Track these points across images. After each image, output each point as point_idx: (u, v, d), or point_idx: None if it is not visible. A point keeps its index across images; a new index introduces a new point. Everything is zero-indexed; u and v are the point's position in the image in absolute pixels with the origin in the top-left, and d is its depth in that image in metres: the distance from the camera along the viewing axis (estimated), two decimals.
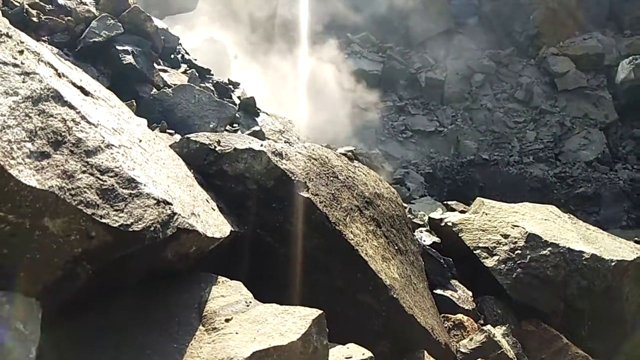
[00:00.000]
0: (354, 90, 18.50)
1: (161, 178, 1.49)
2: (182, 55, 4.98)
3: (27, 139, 1.09)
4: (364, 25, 20.61)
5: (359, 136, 16.62)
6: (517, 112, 18.98)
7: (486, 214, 3.67)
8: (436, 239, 3.79)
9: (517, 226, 3.50)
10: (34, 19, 3.18)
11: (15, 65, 1.17)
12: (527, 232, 3.41)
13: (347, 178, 2.38)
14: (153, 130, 3.26)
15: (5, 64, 1.14)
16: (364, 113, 18.30)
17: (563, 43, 19.41)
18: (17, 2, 3.28)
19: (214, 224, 1.65)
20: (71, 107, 1.26)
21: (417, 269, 2.65)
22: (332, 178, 2.26)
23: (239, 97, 5.04)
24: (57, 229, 1.10)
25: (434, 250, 3.36)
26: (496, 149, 18.12)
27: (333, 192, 2.20)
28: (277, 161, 2.04)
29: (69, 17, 3.36)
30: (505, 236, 3.45)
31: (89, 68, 3.21)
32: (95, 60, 3.29)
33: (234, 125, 4.41)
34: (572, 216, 3.91)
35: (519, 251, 3.35)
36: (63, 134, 1.18)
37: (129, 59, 3.25)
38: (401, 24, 20.11)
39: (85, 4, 4.01)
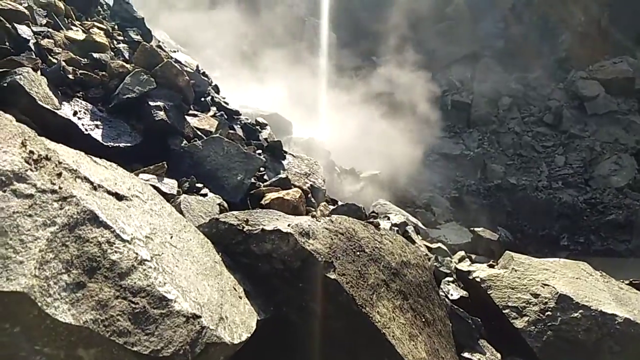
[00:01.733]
0: (379, 112, 18.51)
1: (191, 279, 1.51)
2: (212, 98, 5.06)
3: (64, 271, 1.12)
4: (389, 48, 20.69)
5: (384, 159, 16.57)
6: (545, 136, 18.70)
7: (515, 270, 3.59)
8: (464, 293, 3.72)
9: (548, 285, 3.42)
10: (70, 76, 3.28)
11: (53, 192, 1.21)
12: (557, 292, 3.33)
13: (374, 250, 2.36)
14: (182, 185, 3.31)
15: (44, 191, 1.18)
16: (389, 135, 18.26)
17: (592, 67, 19.11)
18: (54, 59, 3.40)
19: (241, 320, 1.66)
20: (106, 226, 1.30)
21: (444, 337, 2.61)
22: (358, 253, 2.25)
23: (266, 139, 5.08)
24: (90, 358, 1.12)
25: (462, 310, 3.30)
26: (524, 173, 17.84)
27: (360, 268, 2.19)
28: (304, 242, 2.04)
29: (104, 72, 3.46)
30: (536, 295, 3.37)
31: (121, 124, 3.28)
32: (128, 116, 3.37)
33: (261, 169, 4.44)
34: (604, 274, 3.80)
35: (549, 312, 3.26)
36: (98, 259, 1.21)
37: (161, 115, 3.31)
38: (427, 47, 20.11)
39: (119, 59, 4.13)
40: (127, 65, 3.58)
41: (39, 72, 3.15)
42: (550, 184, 17.83)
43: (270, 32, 18.50)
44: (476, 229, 14.64)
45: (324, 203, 4.19)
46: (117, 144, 3.18)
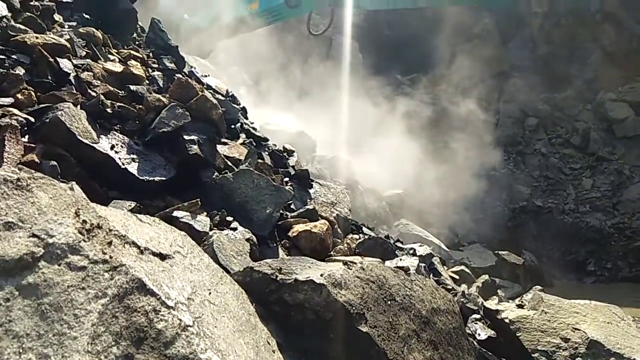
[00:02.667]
0: (404, 131, 18.47)
1: (229, 340, 1.54)
2: (242, 124, 5.14)
3: (114, 343, 1.16)
4: (414, 66, 20.71)
5: (408, 179, 16.49)
6: (572, 158, 18.40)
7: (545, 312, 3.54)
8: (492, 333, 3.68)
9: (578, 329, 3.36)
10: (108, 110, 3.38)
11: (104, 262, 1.26)
12: (588, 337, 3.27)
13: (404, 298, 2.37)
14: (214, 218, 3.36)
15: (96, 262, 1.23)
16: (413, 154, 18.19)
17: (622, 88, 18.79)
18: (93, 91, 3.51)
19: None
20: (152, 294, 1.34)
21: None
22: (389, 302, 2.25)
23: (293, 167, 5.12)
24: None
25: (490, 354, 3.26)
26: (550, 195, 17.56)
27: (391, 319, 2.19)
28: (336, 293, 2.06)
29: (140, 106, 3.56)
30: (566, 340, 3.31)
31: (156, 157, 3.37)
32: (163, 149, 3.45)
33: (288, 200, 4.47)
34: (636, 318, 3.72)
35: (579, 358, 3.20)
36: (145, 329, 1.25)
37: (195, 149, 3.39)
38: (454, 66, 20.04)
39: (153, 87, 4.24)
40: (164, 99, 3.67)
41: (79, 106, 3.26)
42: (577, 208, 17.49)
43: (296, 50, 18.70)
44: (501, 252, 14.43)
45: (351, 236, 4.20)
46: (152, 178, 3.26)
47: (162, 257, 1.55)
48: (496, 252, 14.47)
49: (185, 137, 3.53)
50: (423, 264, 3.72)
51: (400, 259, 3.61)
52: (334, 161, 14.35)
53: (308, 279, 2.05)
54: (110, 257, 1.28)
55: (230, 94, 6.38)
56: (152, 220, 1.79)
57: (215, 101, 3.90)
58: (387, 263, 3.54)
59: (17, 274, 1.09)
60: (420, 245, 5.17)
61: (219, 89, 6.11)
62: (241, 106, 6.50)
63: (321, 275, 2.08)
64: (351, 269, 2.25)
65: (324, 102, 17.89)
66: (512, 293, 13.52)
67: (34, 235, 1.16)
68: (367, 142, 17.62)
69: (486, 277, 14.14)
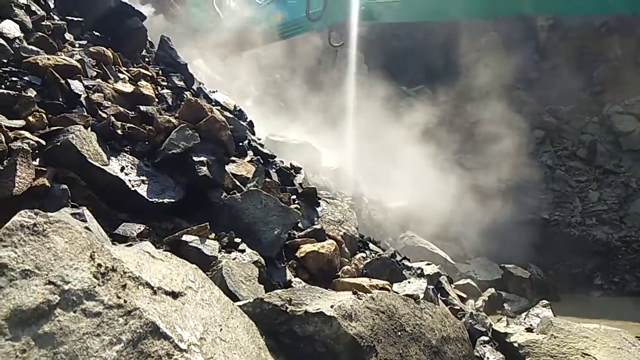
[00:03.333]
0: (409, 142, 18.47)
1: None
2: (249, 141, 5.16)
3: None
4: (419, 78, 20.75)
5: (413, 190, 16.45)
6: (579, 170, 18.34)
7: (555, 337, 3.51)
8: (500, 357, 3.65)
9: (588, 355, 3.32)
10: (119, 131, 3.40)
11: (119, 306, 1.26)
12: None
13: (414, 328, 2.35)
14: (222, 239, 3.37)
15: (110, 307, 1.24)
16: (418, 166, 18.18)
17: (628, 101, 18.74)
18: (104, 112, 3.53)
19: None
20: (165, 337, 1.34)
21: None
22: (399, 333, 2.24)
23: (300, 184, 5.13)
24: None
25: None
26: (557, 208, 17.47)
27: (401, 350, 2.18)
28: (346, 326, 2.05)
29: (150, 127, 3.58)
30: None
31: (166, 179, 3.38)
32: (173, 170, 3.46)
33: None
34: None
35: None
36: None
37: (204, 170, 3.40)
38: (459, 78, 20.06)
39: (162, 105, 4.26)
40: (173, 120, 3.69)
41: (89, 128, 3.28)
42: (584, 220, 17.39)
43: (302, 61, 18.77)
44: (507, 265, 14.35)
45: (358, 256, 4.19)
46: (161, 200, 3.27)
47: (175, 295, 1.55)
48: (502, 265, 14.39)
49: (195, 158, 3.55)
50: (431, 286, 3.71)
51: (409, 282, 3.59)
52: (339, 173, 14.36)
53: (318, 310, 2.04)
54: (125, 301, 1.28)
55: (238, 108, 6.41)
56: (164, 255, 1.79)
57: (224, 121, 3.92)
58: (396, 286, 3.53)
59: (33, 323, 1.10)
60: (428, 264, 5.14)
61: (227, 104, 6.14)
62: (248, 120, 6.53)
63: (331, 306, 2.07)
64: (361, 299, 2.24)
65: (328, 112, 17.93)
66: (519, 307, 13.44)
67: (50, 283, 1.17)
68: (372, 153, 17.61)
69: (492, 290, 14.09)
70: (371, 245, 5.73)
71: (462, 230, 16.69)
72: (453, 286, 5.44)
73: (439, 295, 4.43)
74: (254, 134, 6.31)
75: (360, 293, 2.30)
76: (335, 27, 11.08)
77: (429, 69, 20.47)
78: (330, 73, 19.67)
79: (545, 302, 10.44)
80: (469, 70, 20.00)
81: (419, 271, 4.47)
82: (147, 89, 4.04)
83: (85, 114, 3.35)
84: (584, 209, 17.58)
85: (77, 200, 2.98)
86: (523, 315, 10.10)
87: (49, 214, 1.32)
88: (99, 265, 1.32)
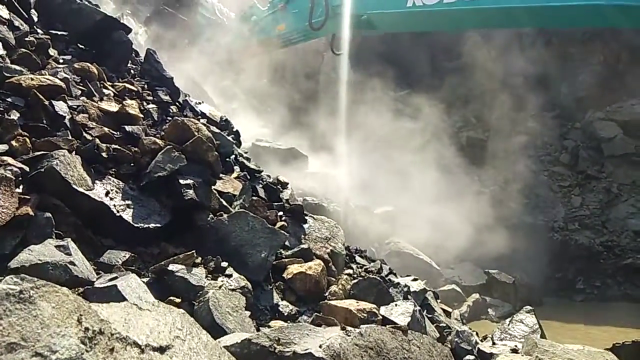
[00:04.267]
0: (395, 147, 18.55)
1: None
2: (236, 157, 5.14)
3: None
4: (405, 83, 20.85)
5: (399, 195, 16.53)
6: (561, 175, 18.60)
7: (539, 358, 3.55)
8: None
9: None
10: (104, 154, 3.36)
11: None
12: None
13: None
14: (207, 264, 3.34)
15: None
16: (403, 170, 18.26)
17: (610, 107, 19.05)
18: (89, 134, 3.49)
19: None
20: None
21: None
22: None
23: (287, 200, 5.12)
24: None
25: None
26: (540, 213, 17.70)
27: None
28: None
29: (136, 149, 3.54)
30: None
31: (151, 202, 3.35)
32: (158, 193, 3.43)
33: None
34: None
35: None
36: None
37: (191, 194, 3.37)
38: (443, 83, 20.21)
39: (148, 121, 4.22)
40: (159, 142, 3.66)
41: (74, 152, 3.24)
42: (567, 225, 17.64)
43: (288, 66, 18.74)
44: (491, 270, 14.48)
45: (345, 276, 4.20)
46: (147, 225, 3.24)
47: (162, 350, 1.53)
48: (486, 270, 14.53)
49: (181, 181, 3.52)
50: (418, 308, 3.72)
51: (396, 304, 3.60)
52: (325, 178, 14.36)
53: (307, 351, 2.04)
54: None
55: (224, 119, 6.38)
56: (152, 304, 1.77)
57: (211, 142, 3.89)
58: (383, 309, 3.54)
59: None
60: (414, 279, 5.17)
61: (213, 116, 6.11)
62: (234, 130, 6.50)
63: (320, 346, 2.07)
64: (349, 336, 2.24)
65: (314, 116, 17.92)
66: (503, 312, 13.58)
67: (37, 354, 1.15)
68: (357, 158, 17.63)
69: (477, 296, 14.19)
70: (357, 258, 5.75)
71: (447, 234, 16.79)
72: (439, 301, 5.48)
73: (425, 314, 4.45)
74: (240, 144, 6.28)
75: (349, 329, 2.30)
76: (338, 36, 11.26)
77: (415, 73, 20.58)
78: (316, 77, 19.68)
79: (528, 307, 10.53)
80: (453, 75, 20.17)
81: (405, 289, 4.49)
82: (132, 108, 4.00)
83: (70, 137, 3.30)
84: (566, 214, 17.84)
85: (61, 227, 2.94)
86: (507, 321, 10.19)
87: (35, 278, 1.30)
88: (86, 329, 1.30)
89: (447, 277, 14.08)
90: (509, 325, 10.49)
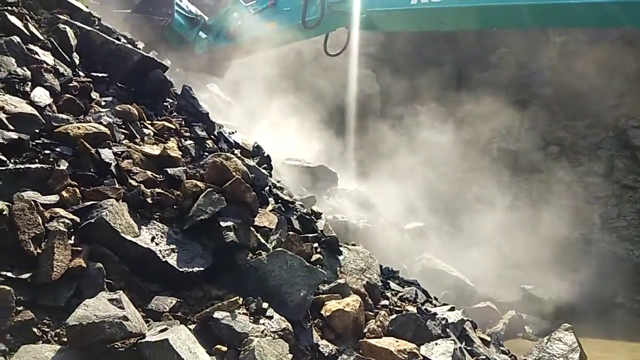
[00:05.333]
0: (423, 161, 18.45)
1: None
2: (270, 188, 5.23)
3: None
4: (432, 95, 20.74)
5: (430, 210, 16.41)
6: (596, 186, 18.15)
7: None
8: None
9: None
10: (149, 199, 3.49)
11: None
12: None
13: None
14: (249, 306, 3.42)
15: None
16: (433, 185, 18.13)
17: None
18: (133, 179, 3.62)
19: None
20: None
21: None
22: None
23: (322, 231, 5.17)
24: None
25: None
26: (576, 225, 17.29)
27: None
28: None
29: (178, 192, 3.66)
30: None
31: (194, 245, 3.46)
32: (200, 236, 3.54)
33: (317, 266, 4.53)
34: None
35: None
36: None
37: (231, 236, 3.47)
38: (472, 95, 20.02)
39: (191, 174, 4.35)
40: (200, 184, 3.77)
41: (120, 200, 3.37)
42: (604, 237, 17.19)
43: (313, 83, 18.79)
44: (526, 286, 14.20)
45: (383, 312, 4.21)
46: (191, 269, 3.34)
47: None
48: (522, 286, 14.25)
49: (222, 223, 3.62)
50: (458, 347, 3.71)
51: (436, 343, 3.61)
52: (354, 194, 14.38)
53: None
54: None
55: (256, 145, 6.49)
56: None
57: (249, 184, 4.00)
58: (423, 349, 3.55)
59: None
60: (451, 308, 5.15)
61: (245, 144, 6.23)
62: (266, 155, 6.59)
63: None
64: None
65: (341, 132, 17.88)
66: (540, 329, 13.29)
67: None
68: (385, 173, 17.59)
69: (513, 312, 13.91)
70: (392, 284, 5.75)
71: (479, 249, 16.56)
72: (477, 330, 5.43)
73: (464, 347, 4.43)
74: (271, 168, 6.37)
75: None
76: (334, 36, 10.65)
77: (441, 86, 20.43)
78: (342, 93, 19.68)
79: (567, 325, 10.24)
80: (481, 87, 19.94)
81: (443, 322, 4.47)
82: (173, 150, 4.14)
83: (117, 185, 3.44)
84: (603, 225, 17.39)
85: (111, 276, 3.06)
86: (545, 339, 9.97)
87: None
88: None
89: (482, 293, 13.86)
90: (547, 343, 10.24)
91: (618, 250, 16.81)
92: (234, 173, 3.93)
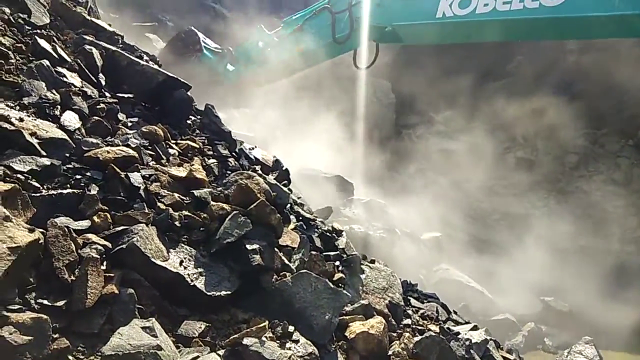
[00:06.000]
0: (439, 171, 18.40)
1: None
2: (291, 206, 5.27)
3: None
4: (447, 105, 20.70)
5: (445, 220, 16.32)
6: (616, 195, 17.92)
7: None
8: None
9: None
10: (177, 223, 3.54)
11: None
12: None
13: None
14: (275, 329, 3.44)
15: None
16: (449, 194, 18.05)
17: None
18: (161, 202, 3.69)
19: None
20: None
21: None
22: None
23: (343, 249, 5.20)
24: None
25: None
26: (594, 235, 17.07)
27: None
28: None
29: (205, 215, 3.71)
30: None
31: (221, 268, 3.51)
32: (227, 259, 3.58)
33: (340, 285, 4.55)
34: None
35: None
36: None
37: (257, 259, 3.51)
38: (488, 104, 19.93)
39: (210, 177, 4.42)
40: (226, 207, 3.82)
41: (150, 224, 3.43)
42: (623, 248, 16.95)
43: (329, 93, 18.83)
44: (546, 298, 14.05)
45: (407, 334, 4.22)
46: (218, 293, 3.39)
47: None
48: (541, 298, 14.10)
49: (248, 246, 3.66)
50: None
51: None
52: (370, 205, 14.37)
53: None
54: None
55: (275, 159, 6.55)
56: None
57: (270, 200, 4.04)
58: None
59: None
60: (474, 327, 5.13)
61: (265, 160, 6.29)
62: (284, 169, 6.64)
63: None
64: None
65: (357, 142, 17.89)
66: (560, 341, 13.13)
67: None
68: (400, 183, 17.54)
69: (532, 324, 13.76)
70: (412, 301, 5.75)
71: (496, 259, 16.43)
72: (501, 348, 5.41)
73: None
74: (290, 182, 6.42)
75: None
76: (362, 49, 10.93)
77: (456, 95, 20.37)
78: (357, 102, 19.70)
79: (587, 337, 10.10)
80: (497, 95, 19.83)
81: (467, 342, 4.46)
82: (199, 172, 4.20)
83: (146, 210, 3.50)
84: (622, 235, 17.15)
85: (142, 301, 3.11)
86: (565, 352, 9.85)
87: None
88: None
89: (501, 305, 13.74)
90: (567, 356, 10.12)
91: (638, 260, 16.54)
92: (258, 195, 3.98)
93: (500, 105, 19.35)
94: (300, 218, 5.30)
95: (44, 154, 3.51)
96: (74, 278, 2.88)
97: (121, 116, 4.75)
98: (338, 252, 5.14)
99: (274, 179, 6.20)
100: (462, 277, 13.67)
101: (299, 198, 6.35)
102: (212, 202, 3.88)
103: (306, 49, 11.16)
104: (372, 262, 5.66)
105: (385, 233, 13.42)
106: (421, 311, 5.49)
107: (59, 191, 3.35)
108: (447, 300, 8.29)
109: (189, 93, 5.62)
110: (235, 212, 3.78)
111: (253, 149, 6.46)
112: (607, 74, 19.20)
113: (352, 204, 13.55)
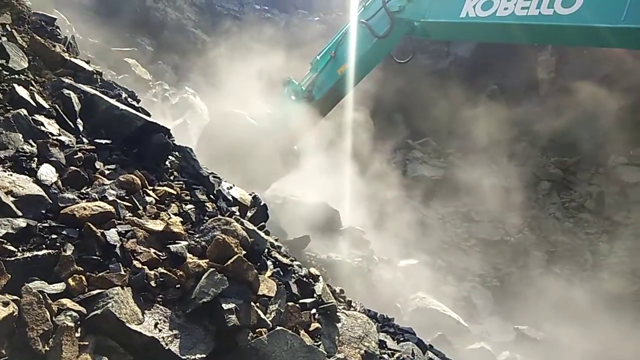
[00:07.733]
0: (417, 198, 18.60)
1: None
2: (269, 250, 5.30)
3: None
4: (424, 131, 21.03)
5: (422, 247, 16.47)
6: (587, 222, 18.38)
7: None
8: None
9: None
10: (152, 282, 3.55)
11: None
12: None
13: None
14: None
15: None
16: (425, 220, 18.26)
17: (633, 152, 18.95)
18: (137, 260, 3.69)
19: None
20: None
21: None
22: None
23: (320, 296, 5.23)
24: None
25: None
26: (568, 262, 17.44)
27: None
28: None
29: (181, 272, 3.72)
30: None
31: (196, 329, 3.51)
32: (202, 319, 3.59)
33: (316, 336, 4.59)
34: None
35: None
36: None
37: (233, 319, 3.53)
38: (462, 131, 20.35)
39: (187, 225, 4.43)
40: (202, 264, 3.84)
41: (125, 287, 3.42)
42: (595, 274, 17.32)
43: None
44: (520, 326, 14.23)
45: None
46: (193, 356, 3.38)
47: None
48: (515, 326, 14.28)
49: (224, 305, 3.67)
50: None
51: None
52: (349, 232, 14.42)
53: None
54: None
55: (253, 196, 6.57)
56: None
57: (250, 263, 4.07)
58: None
59: None
60: None
61: (243, 200, 6.31)
62: (262, 204, 6.66)
63: None
64: None
65: (336, 169, 18.00)
66: None
67: None
68: (378, 210, 17.65)
69: (507, 354, 13.88)
70: (389, 343, 5.80)
71: (474, 287, 16.60)
72: None
73: None
74: (267, 217, 6.45)
75: None
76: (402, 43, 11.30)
77: (433, 121, 20.76)
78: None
79: None
80: (472, 122, 20.25)
81: None
82: (176, 226, 4.21)
83: (122, 271, 3.49)
84: (595, 262, 17.53)
85: None
86: None
87: None
88: None
89: (476, 333, 13.87)
90: None
91: (611, 286, 16.90)
92: (235, 250, 4.00)
93: (474, 132, 19.75)
94: (277, 263, 5.32)
95: (20, 214, 3.49)
96: (48, 349, 2.86)
97: (98, 164, 4.74)
98: (315, 298, 5.16)
99: (252, 216, 6.24)
100: (439, 306, 13.77)
101: (276, 240, 6.38)
102: (188, 257, 3.89)
103: (349, 66, 11.15)
104: (349, 305, 5.70)
105: (363, 261, 13.48)
106: (397, 354, 5.54)
107: (34, 253, 3.32)
108: (423, 329, 8.38)
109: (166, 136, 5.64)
110: (212, 269, 3.79)
111: (231, 188, 6.48)
112: (581, 103, 19.84)
113: (331, 232, 13.60)
